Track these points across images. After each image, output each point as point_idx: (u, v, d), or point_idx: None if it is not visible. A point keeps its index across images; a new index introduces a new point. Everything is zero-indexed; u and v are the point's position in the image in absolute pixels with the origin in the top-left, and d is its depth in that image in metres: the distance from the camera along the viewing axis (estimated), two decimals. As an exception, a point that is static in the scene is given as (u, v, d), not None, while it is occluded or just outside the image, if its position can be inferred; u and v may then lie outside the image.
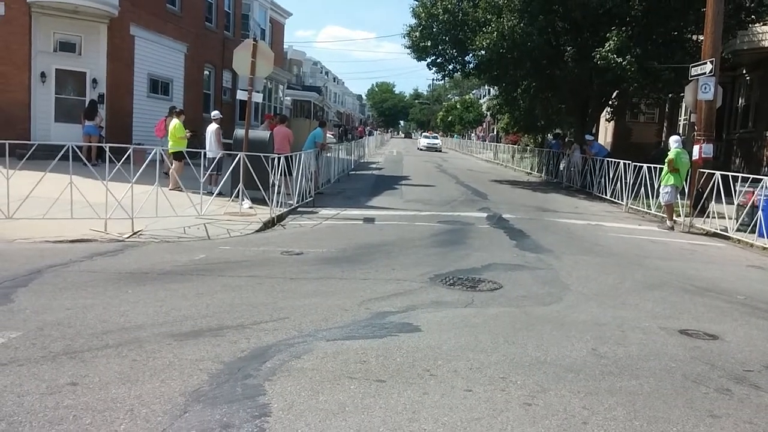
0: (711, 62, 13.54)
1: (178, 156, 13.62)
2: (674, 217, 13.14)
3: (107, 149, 9.49)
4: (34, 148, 9.51)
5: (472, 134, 69.54)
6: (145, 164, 9.84)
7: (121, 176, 9.40)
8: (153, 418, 3.39)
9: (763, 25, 19.18)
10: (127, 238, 8.80)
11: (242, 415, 3.48)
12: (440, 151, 53.12)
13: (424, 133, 68.23)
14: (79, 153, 9.66)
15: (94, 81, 18.44)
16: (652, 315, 6.15)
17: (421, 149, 52.79)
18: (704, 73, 13.70)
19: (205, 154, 13.01)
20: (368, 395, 3.85)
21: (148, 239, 8.88)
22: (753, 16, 18.62)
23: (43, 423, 3.27)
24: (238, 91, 14.02)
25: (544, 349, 4.89)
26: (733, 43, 19.63)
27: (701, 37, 15.44)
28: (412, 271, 7.50)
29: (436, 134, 66.89)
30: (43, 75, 17.81)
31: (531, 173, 29.30)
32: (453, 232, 10.94)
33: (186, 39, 23.12)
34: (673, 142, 13.54)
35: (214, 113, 14.62)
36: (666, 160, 13.30)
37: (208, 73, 25.90)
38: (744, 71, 22.34)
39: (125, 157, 9.48)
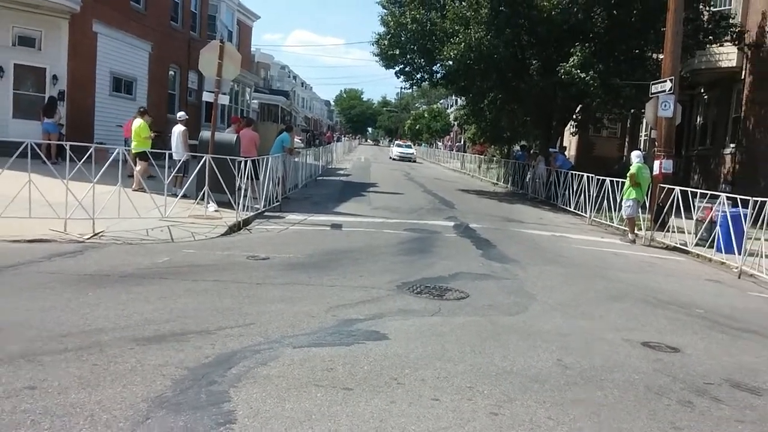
0: (670, 80, 13.92)
1: (142, 156, 13.34)
2: (635, 231, 13.42)
3: (68, 147, 9.22)
4: (-9, 144, 9.21)
5: (440, 143, 69.73)
6: (107, 164, 9.61)
7: (82, 175, 9.15)
8: (114, 424, 3.29)
9: (720, 46, 19.84)
10: (88, 239, 8.56)
11: (206, 422, 3.40)
12: (414, 161, 48.83)
13: (396, 141, 61.01)
14: (38, 150, 9.37)
15: (55, 77, 17.96)
16: (616, 327, 6.25)
17: (393, 158, 48.54)
18: (664, 91, 14.08)
19: (170, 155, 12.80)
20: (335, 403, 3.81)
21: (109, 240, 8.66)
22: (711, 37, 19.27)
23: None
24: (204, 92, 13.87)
25: (510, 359, 4.92)
26: (692, 62, 20.24)
27: (661, 56, 15.89)
28: (380, 279, 7.49)
29: (410, 143, 61.03)
30: (0, 69, 17.28)
31: (497, 184, 29.62)
32: (420, 240, 10.97)
33: (150, 38, 22.75)
34: (635, 157, 13.85)
35: (180, 114, 14.40)
36: (628, 175, 13.58)
37: (173, 73, 25.53)
38: (702, 90, 23.05)
39: (86, 155, 9.24)
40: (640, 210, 13.73)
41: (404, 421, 3.65)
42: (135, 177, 12.27)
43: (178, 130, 13.45)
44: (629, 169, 13.66)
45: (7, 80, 17.49)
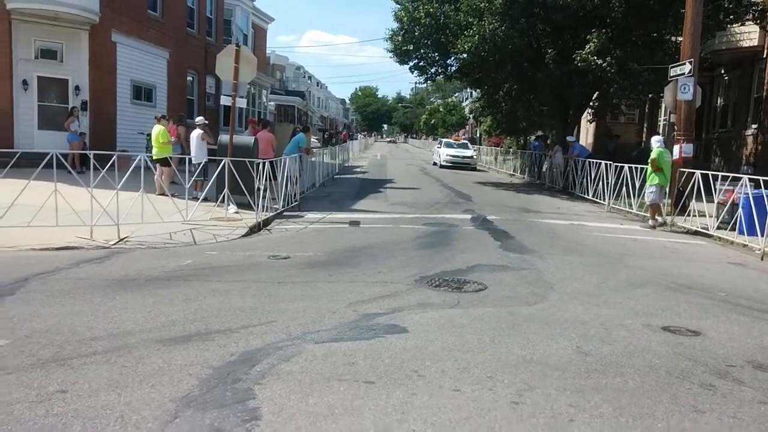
0: (690, 62, 13.75)
1: (164, 162, 13.56)
2: (656, 216, 13.27)
3: (91, 156, 9.44)
4: (17, 156, 9.43)
5: (456, 138, 69.35)
6: (129, 170, 9.80)
7: (106, 183, 9.36)
8: (143, 424, 3.40)
9: (741, 25, 19.50)
10: (113, 244, 8.76)
11: (233, 419, 3.49)
12: (474, 168, 33.40)
13: (444, 140, 39.66)
14: (64, 161, 9.59)
15: (77, 88, 18.32)
16: (635, 313, 6.25)
17: (443, 165, 32.36)
18: (683, 74, 13.91)
19: (190, 159, 13.01)
20: (357, 397, 3.89)
21: (134, 245, 8.85)
22: (731, 17, 18.92)
23: (33, 431, 3.28)
24: (222, 96, 14.05)
25: (529, 348, 4.95)
26: (712, 43, 19.94)
27: (680, 38, 15.67)
28: (398, 273, 7.55)
29: (465, 141, 40.14)
30: (24, 83, 17.67)
31: (514, 175, 29.48)
32: (438, 234, 11.01)
33: (168, 45, 23.02)
34: (655, 141, 13.69)
35: (199, 119, 14.57)
36: (649, 160, 13.44)
37: (191, 78, 25.80)
38: (722, 71, 22.69)
39: (109, 163, 9.44)
40: (664, 195, 13.54)
41: (426, 412, 3.70)
42: (156, 182, 12.48)
43: (195, 134, 13.64)
44: (650, 155, 13.51)
45: (32, 93, 17.89)
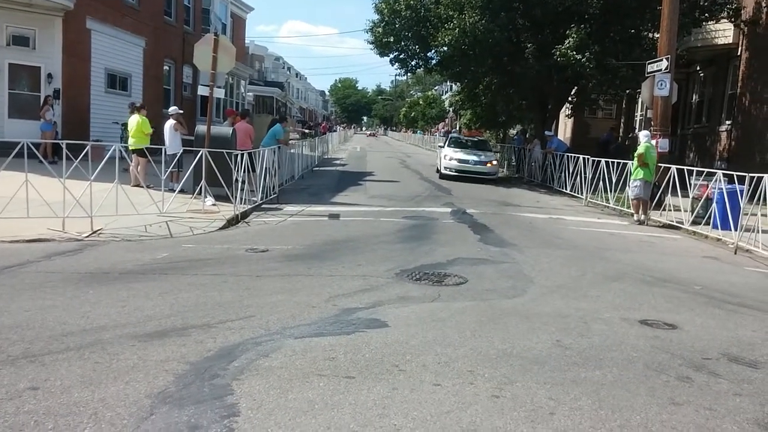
0: (666, 59, 13.90)
1: (140, 153, 13.32)
2: (640, 212, 13.24)
3: (64, 146, 9.22)
4: (-14, 145, 9.20)
5: (435, 131, 69.51)
6: (103, 161, 9.61)
7: (79, 174, 9.16)
8: (118, 421, 3.32)
9: (716, 23, 19.76)
10: (87, 237, 8.58)
11: (210, 415, 3.43)
12: (494, 178, 21.99)
13: (453, 134, 31.59)
14: (35, 150, 9.36)
15: (50, 76, 17.91)
16: (613, 306, 6.30)
17: (451, 173, 21.52)
18: (660, 70, 14.06)
19: (165, 150, 12.80)
20: (337, 392, 3.85)
21: (108, 238, 8.68)
22: (707, 14, 19.20)
23: (3, 429, 3.18)
24: (199, 86, 13.83)
25: (510, 342, 4.96)
26: (688, 40, 20.18)
27: (657, 35, 15.85)
28: (379, 267, 7.52)
29: (482, 137, 30.10)
30: (-6, 70, 17.23)
31: (493, 168, 29.51)
32: (418, 228, 11.00)
33: (144, 33, 22.64)
34: (643, 136, 13.62)
35: (172, 108, 14.33)
36: (636, 155, 13.34)
37: (168, 68, 25.41)
38: (698, 68, 22.99)
39: (83, 154, 9.24)
40: (649, 190, 13.51)
41: (407, 407, 3.68)
42: (131, 173, 12.26)
43: (168, 124, 13.42)
44: (637, 149, 13.51)
45: (2, 80, 17.45)
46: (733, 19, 19.21)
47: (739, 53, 19.73)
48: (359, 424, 3.43)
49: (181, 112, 14.31)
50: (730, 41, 19.82)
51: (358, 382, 4.01)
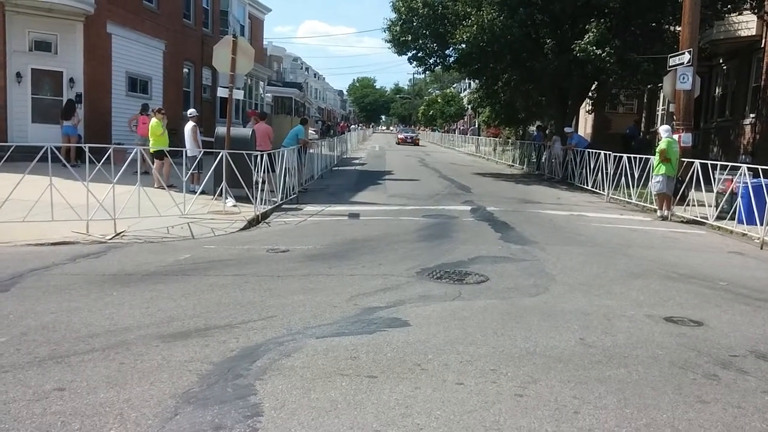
0: (689, 52, 13.68)
1: (159, 155, 13.46)
2: (664, 207, 13.04)
3: (87, 149, 9.34)
4: (11, 150, 9.33)
5: (455, 128, 69.23)
6: (125, 164, 9.72)
7: (101, 177, 9.27)
8: (143, 421, 3.35)
9: (739, 14, 19.42)
10: (110, 239, 8.69)
11: (234, 415, 3.45)
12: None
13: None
14: (58, 154, 9.49)
15: (71, 80, 18.16)
16: (637, 303, 6.21)
17: None
18: (682, 63, 13.84)
19: (185, 152, 12.93)
20: (360, 391, 3.85)
21: (131, 240, 8.78)
22: (729, 6, 18.83)
23: (30, 430, 3.23)
24: (219, 88, 13.94)
25: (532, 340, 4.92)
26: (710, 33, 19.86)
27: (679, 28, 15.62)
28: (399, 266, 7.50)
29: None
30: (18, 75, 17.50)
31: (513, 165, 29.40)
32: (438, 226, 10.96)
33: (164, 36, 22.85)
34: (664, 131, 13.41)
35: (190, 111, 14.45)
36: (657, 150, 13.16)
37: (187, 70, 25.63)
38: (721, 60, 22.62)
39: (105, 157, 9.35)
40: (672, 185, 13.29)
41: (429, 406, 3.67)
42: (153, 176, 12.39)
43: (187, 127, 13.54)
44: (659, 144, 13.32)
45: (25, 85, 17.71)
46: (756, 11, 18.84)
47: (762, 45, 19.37)
48: (382, 424, 3.43)
49: (197, 114, 14.42)
50: (753, 33, 19.46)
51: (380, 382, 4.00)
